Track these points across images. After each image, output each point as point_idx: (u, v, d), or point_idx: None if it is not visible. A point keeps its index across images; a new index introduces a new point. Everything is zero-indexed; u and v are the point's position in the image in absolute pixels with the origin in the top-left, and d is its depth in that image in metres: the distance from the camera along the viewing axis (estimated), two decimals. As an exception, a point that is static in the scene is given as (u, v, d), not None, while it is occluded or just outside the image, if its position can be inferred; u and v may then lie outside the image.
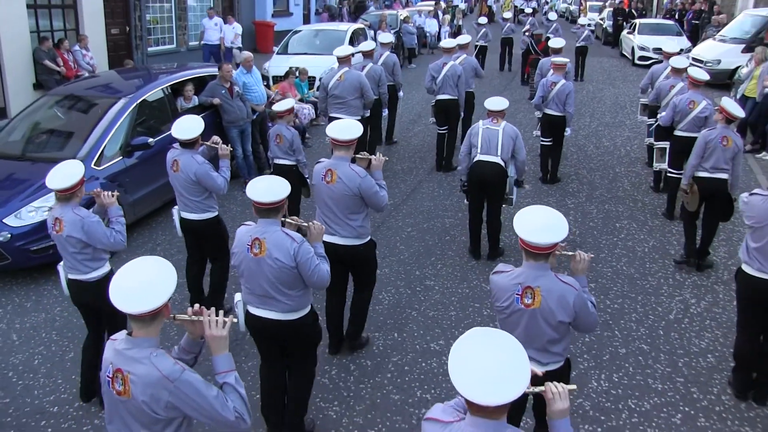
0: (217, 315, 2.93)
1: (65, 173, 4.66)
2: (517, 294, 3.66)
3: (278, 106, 7.70)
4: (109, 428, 2.94)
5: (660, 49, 19.17)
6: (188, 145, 5.85)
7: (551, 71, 9.77)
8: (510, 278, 3.72)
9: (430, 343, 5.85)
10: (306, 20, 26.40)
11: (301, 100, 12.67)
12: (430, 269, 7.23)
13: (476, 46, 17.96)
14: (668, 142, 8.56)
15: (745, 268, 4.96)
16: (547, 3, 30.52)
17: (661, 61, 10.61)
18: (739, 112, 6.84)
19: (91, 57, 13.48)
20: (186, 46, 18.25)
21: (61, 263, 4.93)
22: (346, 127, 5.31)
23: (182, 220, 6.06)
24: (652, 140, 9.52)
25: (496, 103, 7.25)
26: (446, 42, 10.64)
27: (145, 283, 2.80)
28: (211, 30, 17.47)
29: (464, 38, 11.56)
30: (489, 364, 2.35)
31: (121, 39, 16.15)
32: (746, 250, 4.95)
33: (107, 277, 4.84)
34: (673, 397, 5.10)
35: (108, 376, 2.82)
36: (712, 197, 6.91)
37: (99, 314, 5.07)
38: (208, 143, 6.20)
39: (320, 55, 14.97)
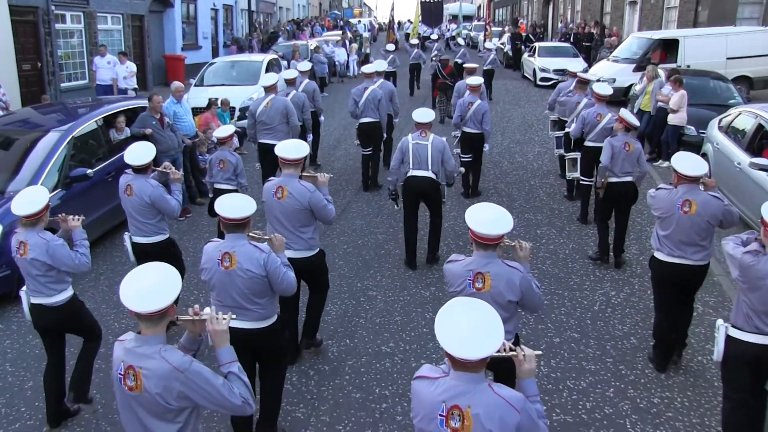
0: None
1: (31, 199, 4.77)
2: (469, 279, 4.09)
3: (219, 133, 7.93)
4: (125, 426, 3.14)
5: (561, 70, 20.74)
6: (141, 170, 6.02)
7: (467, 92, 10.43)
8: (462, 266, 4.15)
9: (381, 346, 6.20)
10: (215, 53, 26.53)
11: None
12: (371, 281, 7.60)
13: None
14: (579, 153, 9.34)
15: (656, 254, 5.63)
16: (448, 30, 31.83)
17: (565, 80, 11.50)
18: (635, 121, 7.80)
19: (3, 93, 13.15)
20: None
21: (24, 288, 4.99)
22: (294, 147, 5.64)
23: (135, 245, 6.17)
24: (561, 151, 10.32)
25: (423, 114, 7.67)
26: (366, 67, 11.12)
27: (152, 285, 3.03)
28: (103, 69, 16.13)
29: (381, 64, 12.09)
30: (469, 325, 2.76)
31: (33, 75, 15.88)
32: (657, 238, 5.62)
33: (71, 301, 4.98)
34: (605, 375, 5.67)
35: (120, 374, 3.02)
36: (620, 199, 7.68)
37: (62, 338, 5.17)
38: (159, 169, 6.37)
39: (238, 86, 15.18)
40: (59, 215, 5.15)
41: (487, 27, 25.39)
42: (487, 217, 4.09)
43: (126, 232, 6.24)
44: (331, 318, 6.70)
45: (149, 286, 3.02)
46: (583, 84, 10.12)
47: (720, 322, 4.49)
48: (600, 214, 8.02)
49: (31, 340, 6.40)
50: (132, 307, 2.97)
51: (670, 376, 5.68)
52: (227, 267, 4.35)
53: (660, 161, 12.28)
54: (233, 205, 4.41)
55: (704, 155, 10.01)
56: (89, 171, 8.08)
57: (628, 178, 7.61)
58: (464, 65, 11.76)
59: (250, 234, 4.59)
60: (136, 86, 16.82)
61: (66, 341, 5.28)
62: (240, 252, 4.35)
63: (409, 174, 7.58)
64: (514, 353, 3.05)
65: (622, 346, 6.15)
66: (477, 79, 10.33)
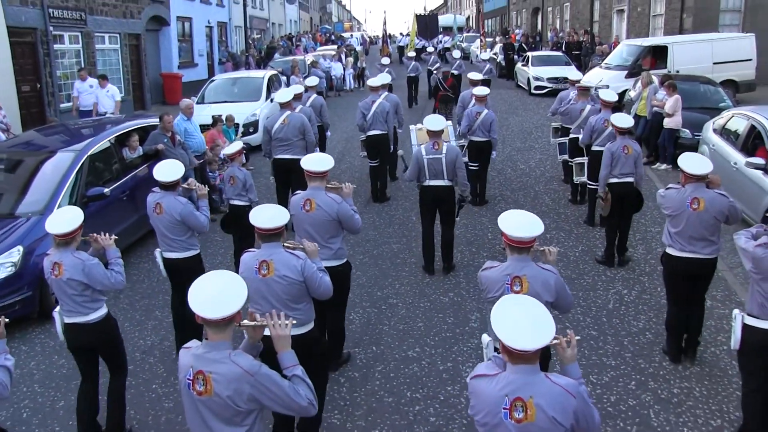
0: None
1: (65, 218, 4.86)
2: (507, 284, 4.30)
3: (227, 150, 8.15)
4: (190, 427, 3.28)
5: (555, 78, 21.12)
6: (170, 187, 6.19)
7: (473, 102, 10.71)
8: (499, 271, 4.38)
9: (407, 351, 6.41)
10: (210, 70, 26.78)
11: (231, 146, 13.03)
12: (390, 289, 7.82)
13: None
14: (586, 158, 9.64)
15: (668, 250, 5.94)
16: (440, 42, 32.24)
17: (566, 88, 11.82)
18: (625, 123, 8.06)
19: (4, 115, 13.26)
20: (98, 102, 18.19)
21: (57, 308, 5.07)
22: (320, 160, 5.84)
23: (166, 260, 6.30)
24: (565, 157, 10.61)
25: (434, 122, 7.86)
26: (373, 81, 11.37)
27: (221, 292, 3.17)
28: (86, 94, 14.87)
29: (386, 77, 12.35)
30: (524, 319, 3.00)
31: (33, 96, 16.03)
32: (668, 235, 5.92)
33: (106, 318, 5.08)
34: (625, 369, 5.92)
35: (188, 379, 3.15)
36: (623, 199, 8.01)
37: (95, 358, 5.24)
38: (184, 185, 6.55)
39: (239, 103, 15.41)
40: (90, 235, 5.21)
41: (482, 38, 25.80)
42: (520, 222, 4.33)
43: (157, 249, 6.36)
44: (355, 326, 6.91)
45: (218, 294, 3.16)
46: (584, 91, 10.43)
47: (736, 311, 4.75)
48: (606, 219, 8.31)
49: (57, 360, 6.52)
50: (203, 314, 3.10)
51: (686, 367, 5.94)
52: (264, 275, 4.52)
53: (658, 164, 12.60)
54: (267, 216, 4.59)
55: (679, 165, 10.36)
56: (106, 190, 8.24)
57: (629, 179, 7.95)
58: (470, 77, 12.00)
59: (285, 244, 4.77)
60: (119, 115, 14.30)
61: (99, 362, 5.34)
62: (277, 260, 4.52)
63: (425, 184, 7.84)
64: (557, 341, 3.27)
65: (638, 341, 6.40)
66: (483, 90, 10.62)
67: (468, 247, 8.99)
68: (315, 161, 5.81)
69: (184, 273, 6.37)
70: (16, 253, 7.02)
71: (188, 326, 6.52)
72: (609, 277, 7.89)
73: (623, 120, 8.10)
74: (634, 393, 5.56)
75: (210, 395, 3.11)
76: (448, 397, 5.64)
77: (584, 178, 9.80)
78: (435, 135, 7.81)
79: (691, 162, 5.81)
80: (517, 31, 26.01)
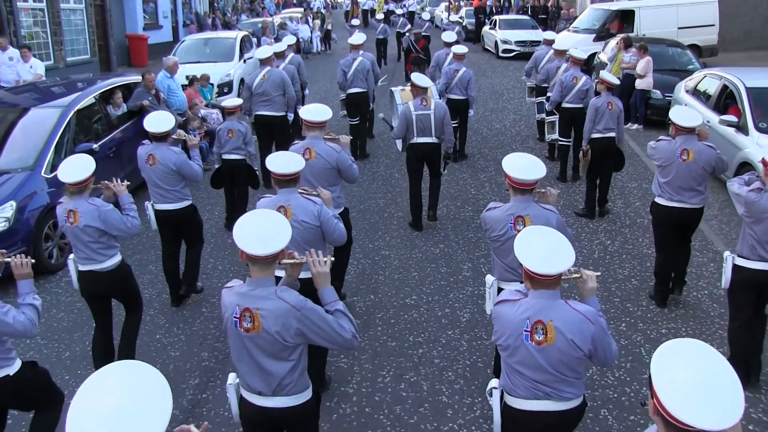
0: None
1: (78, 166, 4.85)
2: (510, 223, 4.49)
3: (228, 103, 8.15)
4: (238, 366, 3.32)
5: (522, 41, 21.31)
6: (161, 138, 6.18)
7: (450, 60, 10.82)
8: (502, 211, 4.56)
9: (404, 299, 6.60)
10: (175, 33, 26.18)
11: (207, 106, 12.93)
12: (381, 242, 7.97)
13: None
14: (557, 115, 9.88)
15: (657, 200, 6.19)
16: (406, 5, 32.05)
17: (540, 49, 12.00)
18: (616, 81, 8.47)
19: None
20: (64, 62, 17.72)
21: (71, 256, 5.11)
22: (318, 111, 5.91)
23: (159, 213, 6.28)
24: (543, 116, 10.83)
25: (421, 79, 7.95)
26: (353, 39, 11.36)
27: (267, 230, 3.21)
28: (4, 67, 12.72)
29: (362, 36, 12.34)
30: (545, 246, 3.21)
31: (-3, 56, 15.49)
32: (658, 185, 6.17)
33: (121, 265, 5.16)
34: (615, 313, 6.21)
35: (235, 317, 3.18)
36: (605, 153, 8.28)
37: (109, 304, 5.34)
38: (175, 136, 6.54)
39: (213, 63, 15.18)
40: (102, 182, 5.26)
41: (451, 1, 25.78)
42: (523, 164, 4.51)
43: (147, 202, 6.31)
44: (351, 277, 7.04)
45: (264, 231, 3.20)
46: (561, 53, 10.64)
47: (727, 253, 5.07)
48: (588, 171, 8.58)
49: (56, 314, 6.53)
50: (251, 251, 3.12)
51: (672, 310, 6.27)
52: None
53: (629, 124, 12.91)
54: (283, 162, 4.66)
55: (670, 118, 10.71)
56: (95, 145, 8.18)
57: (611, 134, 8.25)
58: (443, 38, 12.06)
59: (299, 190, 4.88)
60: None
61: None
62: (294, 205, 4.61)
63: (413, 141, 7.92)
64: (578, 275, 3.44)
65: (625, 287, 6.70)
66: (462, 48, 10.75)
67: (453, 201, 9.18)
68: (314, 111, 5.89)
69: (179, 223, 6.43)
70: (9, 209, 6.95)
71: (185, 267, 6.64)
72: (592, 228, 8.18)
73: (611, 77, 8.33)
74: (626, 333, 5.87)
75: (258, 331, 3.15)
76: (449, 340, 5.86)
77: (556, 135, 10.04)
78: (422, 91, 7.87)
79: (681, 114, 6.05)
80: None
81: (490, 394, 3.47)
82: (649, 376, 2.11)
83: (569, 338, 3.13)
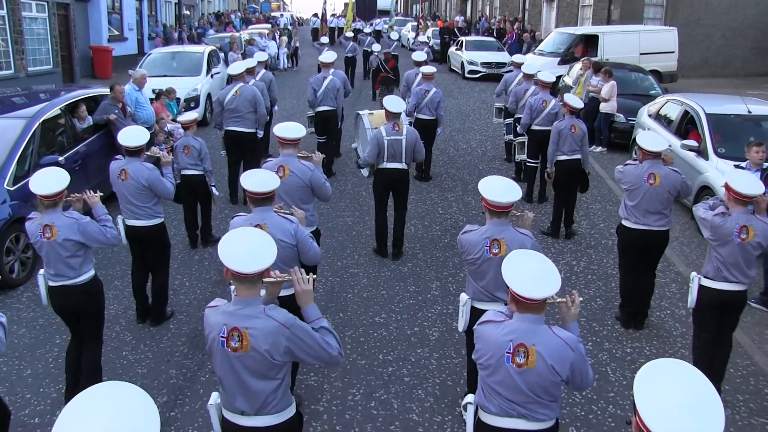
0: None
1: (52, 179, 4.77)
2: (486, 246, 4.56)
3: (183, 117, 8.10)
4: (222, 385, 3.27)
5: (488, 63, 21.67)
6: (135, 153, 6.11)
7: (419, 81, 10.95)
8: (478, 234, 4.62)
9: (374, 317, 6.61)
10: (140, 45, 25.97)
11: (174, 120, 12.81)
12: (350, 260, 7.97)
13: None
14: (526, 137, 10.05)
15: (624, 222, 6.33)
16: (373, 24, 32.30)
17: (511, 71, 12.21)
18: (579, 104, 8.65)
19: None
20: (25, 72, 17.41)
21: (41, 272, 5.00)
22: (293, 128, 5.93)
23: (129, 228, 6.19)
24: (511, 137, 11.00)
25: (394, 103, 7.77)
26: (324, 56, 11.39)
27: (253, 248, 3.20)
28: None
29: (333, 55, 12.41)
30: (532, 271, 3.26)
31: (-45, 64, 15.17)
32: (625, 208, 6.32)
33: (94, 280, 5.07)
34: (581, 333, 6.18)
35: (222, 337, 3.15)
36: (570, 175, 8.46)
37: (80, 319, 5.23)
38: (148, 153, 6.48)
39: (180, 77, 15.06)
40: (73, 195, 5.15)
41: (420, 21, 26.08)
42: (499, 187, 4.58)
43: (119, 216, 6.18)
44: (320, 295, 7.02)
45: (251, 249, 3.18)
46: (529, 76, 10.85)
47: (693, 274, 5.24)
48: (556, 192, 8.73)
49: (17, 330, 6.35)
50: (238, 268, 3.10)
51: (636, 330, 6.41)
52: None
53: (593, 146, 13.18)
54: (259, 180, 4.64)
55: (635, 141, 10.98)
56: (61, 158, 8.03)
57: (576, 156, 8.41)
58: (414, 57, 12.20)
59: (274, 209, 4.85)
60: None
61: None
62: (271, 223, 4.57)
63: (382, 166, 7.76)
64: (563, 300, 3.49)
65: (590, 307, 6.81)
66: (430, 68, 10.88)
67: (420, 221, 9.24)
68: (288, 129, 5.90)
69: (148, 241, 6.34)
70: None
71: (152, 296, 6.54)
72: (558, 249, 8.31)
73: (574, 100, 8.52)
74: (592, 353, 5.96)
75: (246, 351, 3.13)
76: (419, 359, 5.88)
77: (524, 156, 10.21)
78: (394, 116, 7.68)
79: (648, 140, 6.22)
80: (458, 18, 26.47)
81: (465, 409, 3.51)
82: (632, 396, 2.15)
83: (549, 363, 3.18)
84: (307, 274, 3.38)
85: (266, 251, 3.22)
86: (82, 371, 5.22)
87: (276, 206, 4.89)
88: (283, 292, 3.54)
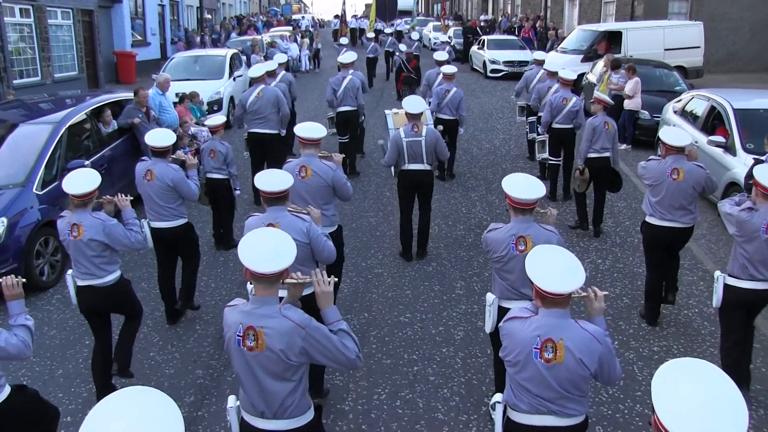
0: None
1: (83, 179, 4.88)
2: (512, 243, 4.53)
3: (211, 122, 8.15)
4: (241, 385, 3.28)
5: (510, 62, 21.57)
6: (161, 154, 6.20)
7: (440, 81, 10.93)
8: (504, 232, 4.60)
9: (398, 317, 6.61)
10: (163, 50, 26.24)
11: (197, 124, 12.92)
12: (374, 260, 7.99)
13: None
14: (547, 135, 9.98)
15: (648, 219, 6.27)
16: (394, 24, 32.31)
17: (532, 69, 12.14)
18: (611, 101, 8.56)
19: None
20: (51, 78, 17.69)
21: (70, 272, 5.10)
22: (313, 129, 5.92)
23: (155, 231, 6.24)
24: (534, 135, 10.93)
25: (413, 104, 7.65)
26: (344, 57, 11.43)
27: (272, 248, 3.21)
28: None
29: (353, 55, 12.43)
30: (557, 266, 3.24)
31: (-17, 72, 15.49)
32: (649, 204, 6.25)
33: (120, 281, 5.16)
34: (608, 331, 6.21)
35: (238, 335, 3.15)
36: (600, 173, 8.35)
37: (108, 320, 5.33)
38: (174, 156, 6.56)
39: (202, 81, 15.21)
40: (104, 197, 5.27)
41: (443, 21, 26.05)
42: (522, 184, 4.56)
43: (143, 219, 6.21)
44: (344, 295, 7.05)
45: (270, 250, 3.19)
46: (552, 74, 10.78)
47: (718, 273, 5.13)
48: (580, 187, 8.66)
49: (48, 331, 6.47)
50: (257, 268, 3.11)
51: (663, 328, 6.34)
52: None
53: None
54: (272, 180, 4.65)
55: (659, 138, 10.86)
56: (87, 162, 8.13)
57: (607, 154, 8.32)
58: (435, 57, 12.18)
59: (288, 208, 4.80)
60: None
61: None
62: (283, 223, 4.54)
63: (404, 167, 7.71)
64: (585, 294, 3.47)
65: (616, 305, 6.75)
66: (452, 68, 10.86)
67: (444, 220, 9.22)
68: (309, 129, 5.89)
69: (174, 241, 6.42)
70: (0, 225, 6.89)
71: (182, 286, 6.64)
72: (583, 247, 8.25)
73: (606, 97, 8.46)
74: (618, 351, 5.90)
75: (261, 350, 3.13)
76: (444, 358, 5.87)
77: (546, 155, 10.13)
78: (414, 117, 7.59)
79: (671, 135, 6.15)
80: (481, 17, 26.41)
81: (493, 408, 3.49)
82: (650, 394, 2.11)
83: (578, 357, 3.17)
84: (329, 275, 3.40)
85: (285, 252, 3.23)
86: (119, 338, 5.40)
87: (290, 206, 4.89)
88: (305, 292, 3.55)
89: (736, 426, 2.00)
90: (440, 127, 10.60)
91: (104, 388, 5.21)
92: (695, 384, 2.13)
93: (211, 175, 8.06)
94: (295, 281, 3.38)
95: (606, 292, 3.56)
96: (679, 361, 2.25)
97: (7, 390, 3.87)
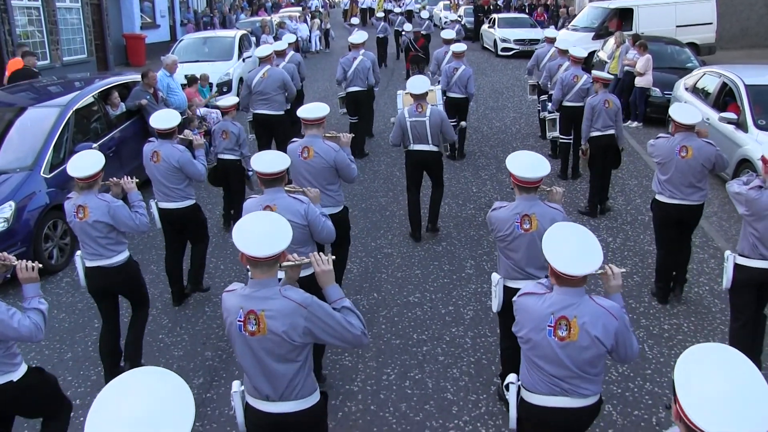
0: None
1: (88, 161, 4.87)
2: (516, 222, 4.50)
3: (223, 102, 8.12)
4: (244, 369, 3.25)
5: (521, 40, 21.36)
6: (167, 135, 6.18)
7: (449, 58, 10.83)
8: (508, 210, 4.56)
9: (408, 297, 6.60)
10: (172, 32, 26.14)
11: (206, 106, 12.90)
12: (383, 240, 7.97)
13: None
14: (558, 113, 9.89)
15: (658, 197, 6.21)
16: (404, 4, 32.01)
17: (542, 47, 11.99)
18: (609, 76, 8.58)
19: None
20: (61, 62, 17.67)
21: (78, 253, 5.12)
22: (314, 108, 5.83)
23: (162, 211, 6.27)
24: (546, 113, 10.84)
25: (417, 85, 7.53)
26: (354, 37, 11.34)
27: (268, 231, 3.15)
28: None
29: (364, 35, 12.33)
30: (574, 246, 3.19)
31: (-8, 54, 15.47)
32: (658, 182, 6.19)
33: (128, 262, 5.17)
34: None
35: (239, 320, 3.10)
36: (605, 151, 8.30)
37: (116, 301, 5.35)
38: (181, 136, 6.55)
39: (212, 62, 15.16)
40: (111, 179, 5.28)
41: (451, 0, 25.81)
42: (526, 162, 4.52)
43: (151, 200, 6.26)
44: (354, 275, 7.05)
45: (265, 233, 3.14)
46: (563, 51, 10.63)
47: (728, 252, 5.06)
48: (591, 168, 8.59)
49: (57, 314, 6.50)
50: (253, 252, 3.06)
51: (674, 306, 6.29)
52: None
53: (629, 122, 12.92)
54: (268, 161, 4.57)
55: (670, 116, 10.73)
56: (94, 145, 8.11)
57: (610, 131, 8.24)
58: (443, 36, 12.05)
59: (286, 189, 4.75)
60: None
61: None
62: (280, 204, 4.50)
63: (410, 148, 7.63)
64: (603, 271, 3.38)
65: (627, 284, 6.69)
66: (461, 46, 10.73)
67: (454, 200, 9.18)
68: (310, 109, 5.82)
69: (182, 222, 6.43)
70: (8, 209, 6.93)
71: (191, 267, 6.68)
72: (593, 226, 8.16)
73: (603, 73, 8.37)
74: (629, 329, 5.87)
75: (264, 334, 3.08)
76: (453, 337, 5.86)
77: (556, 133, 10.05)
78: (418, 98, 7.46)
79: (681, 112, 6.06)
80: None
81: (507, 389, 3.47)
82: (673, 381, 2.05)
83: (593, 335, 3.14)
84: (336, 254, 3.35)
85: (281, 234, 3.17)
86: (129, 329, 5.41)
87: (288, 187, 4.85)
88: (304, 272, 3.52)
89: (764, 419, 1.91)
90: (464, 124, 10.58)
91: (112, 369, 5.25)
92: (721, 372, 2.03)
93: (223, 155, 8.04)
94: (293, 263, 3.34)
95: (624, 269, 3.49)
96: (703, 347, 2.14)
97: (23, 369, 3.92)
